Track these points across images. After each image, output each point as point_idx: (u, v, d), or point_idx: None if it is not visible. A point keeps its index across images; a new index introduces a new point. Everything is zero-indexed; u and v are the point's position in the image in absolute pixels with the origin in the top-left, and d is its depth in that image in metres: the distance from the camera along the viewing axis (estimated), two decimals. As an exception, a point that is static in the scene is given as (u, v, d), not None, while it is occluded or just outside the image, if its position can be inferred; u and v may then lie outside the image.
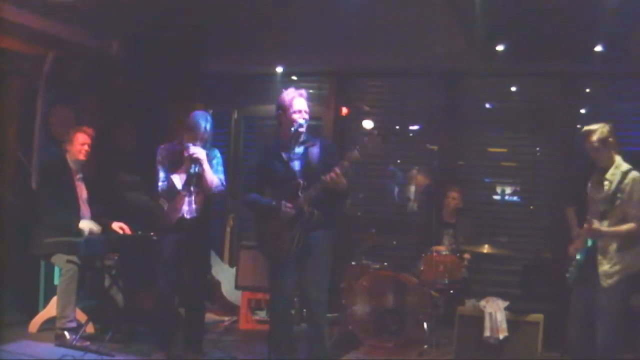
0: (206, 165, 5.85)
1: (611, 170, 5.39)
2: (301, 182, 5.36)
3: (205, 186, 5.89)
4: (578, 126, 7.91)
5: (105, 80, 8.30)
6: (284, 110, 5.50)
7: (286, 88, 5.62)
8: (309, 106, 5.53)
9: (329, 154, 5.53)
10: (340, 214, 5.73)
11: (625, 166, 5.39)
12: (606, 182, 5.39)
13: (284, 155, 5.43)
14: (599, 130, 5.36)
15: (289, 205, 5.31)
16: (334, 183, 5.18)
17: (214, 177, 5.92)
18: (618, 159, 5.42)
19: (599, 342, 5.30)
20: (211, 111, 9.43)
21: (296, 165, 5.47)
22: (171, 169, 5.94)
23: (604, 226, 5.27)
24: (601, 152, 5.39)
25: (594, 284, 5.34)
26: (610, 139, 5.36)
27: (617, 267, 5.26)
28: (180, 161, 5.92)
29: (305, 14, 7.73)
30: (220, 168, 6.09)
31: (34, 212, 6.61)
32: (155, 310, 6.37)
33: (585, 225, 5.30)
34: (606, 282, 5.27)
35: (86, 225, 6.44)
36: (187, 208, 5.94)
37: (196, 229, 5.95)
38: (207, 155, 5.94)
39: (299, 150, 5.50)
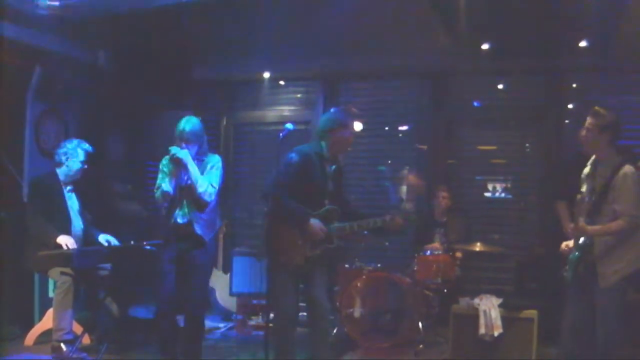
0: (191, 167, 5.77)
1: (603, 165, 5.10)
2: (336, 209, 5.39)
3: (192, 188, 5.83)
4: (566, 121, 7.99)
5: (94, 90, 8.29)
6: (344, 127, 5.47)
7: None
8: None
9: (341, 177, 5.64)
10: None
11: (617, 160, 5.05)
12: (597, 178, 5.11)
13: (327, 170, 5.44)
14: (603, 114, 5.09)
15: (324, 228, 5.28)
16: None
17: (200, 178, 5.80)
18: (611, 152, 5.09)
19: (599, 343, 4.96)
20: (200, 119, 9.49)
21: (330, 185, 5.45)
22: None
23: (594, 224, 5.00)
24: (593, 137, 5.09)
25: (591, 284, 5.04)
26: (610, 130, 5.04)
27: (616, 267, 4.94)
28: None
29: (291, 19, 7.73)
30: (216, 172, 5.96)
31: (25, 225, 6.57)
32: (153, 320, 6.36)
33: (572, 225, 5.12)
34: (606, 283, 4.93)
35: (63, 240, 6.31)
36: (180, 212, 5.89)
37: (190, 233, 5.87)
38: (201, 159, 5.93)
39: (330, 169, 5.48)
